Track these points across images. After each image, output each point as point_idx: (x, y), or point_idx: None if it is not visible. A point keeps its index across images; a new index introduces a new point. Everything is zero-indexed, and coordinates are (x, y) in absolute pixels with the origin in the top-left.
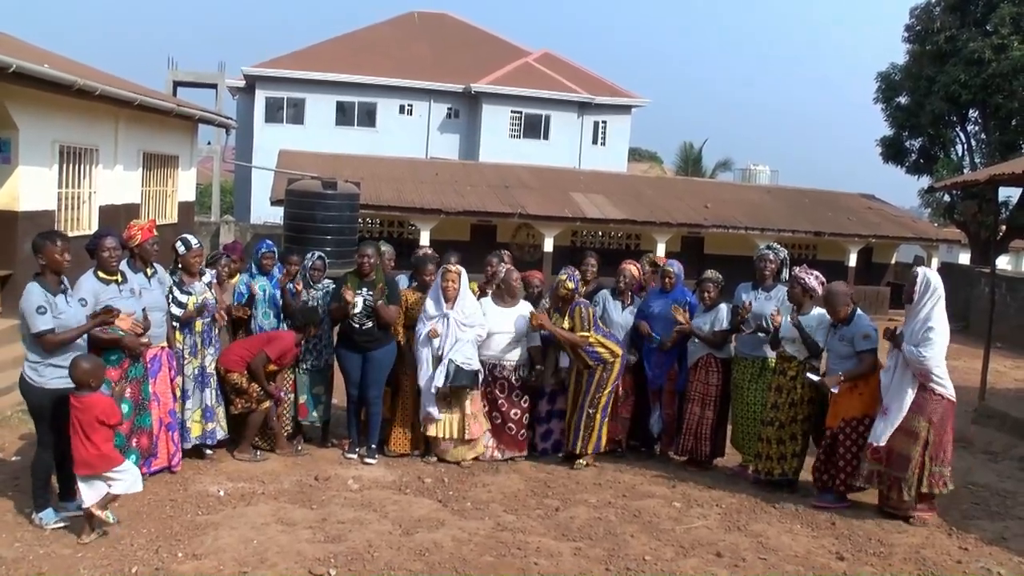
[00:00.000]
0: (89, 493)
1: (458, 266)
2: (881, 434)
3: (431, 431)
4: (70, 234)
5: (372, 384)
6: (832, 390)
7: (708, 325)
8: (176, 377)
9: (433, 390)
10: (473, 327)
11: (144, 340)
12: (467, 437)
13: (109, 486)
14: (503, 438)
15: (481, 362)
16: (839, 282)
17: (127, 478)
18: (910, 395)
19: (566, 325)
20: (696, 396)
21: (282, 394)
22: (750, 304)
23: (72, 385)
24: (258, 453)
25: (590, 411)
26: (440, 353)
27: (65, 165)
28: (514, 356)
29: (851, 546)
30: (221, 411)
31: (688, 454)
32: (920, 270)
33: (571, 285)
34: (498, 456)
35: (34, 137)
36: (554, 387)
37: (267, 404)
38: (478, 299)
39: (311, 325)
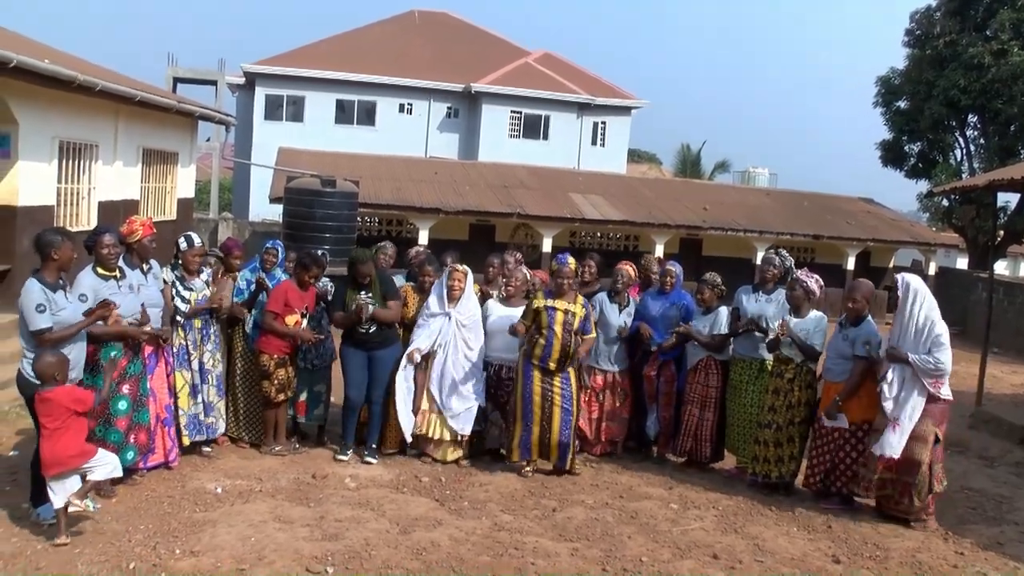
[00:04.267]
0: (56, 495)
1: (465, 266)
2: (896, 446)
3: (420, 430)
4: (69, 230)
5: (378, 384)
6: (841, 423)
7: (707, 328)
8: (174, 372)
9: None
10: (471, 328)
11: (147, 329)
12: (459, 438)
13: (86, 475)
14: None
15: (487, 363)
16: (866, 280)
17: (106, 465)
18: (921, 405)
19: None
20: (695, 398)
21: (320, 336)
22: (754, 319)
23: (72, 379)
24: (296, 445)
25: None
26: (435, 351)
27: (65, 160)
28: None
29: (847, 549)
30: (221, 405)
31: (687, 455)
32: (900, 276)
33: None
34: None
35: (34, 132)
36: None
37: (283, 397)
38: (482, 301)
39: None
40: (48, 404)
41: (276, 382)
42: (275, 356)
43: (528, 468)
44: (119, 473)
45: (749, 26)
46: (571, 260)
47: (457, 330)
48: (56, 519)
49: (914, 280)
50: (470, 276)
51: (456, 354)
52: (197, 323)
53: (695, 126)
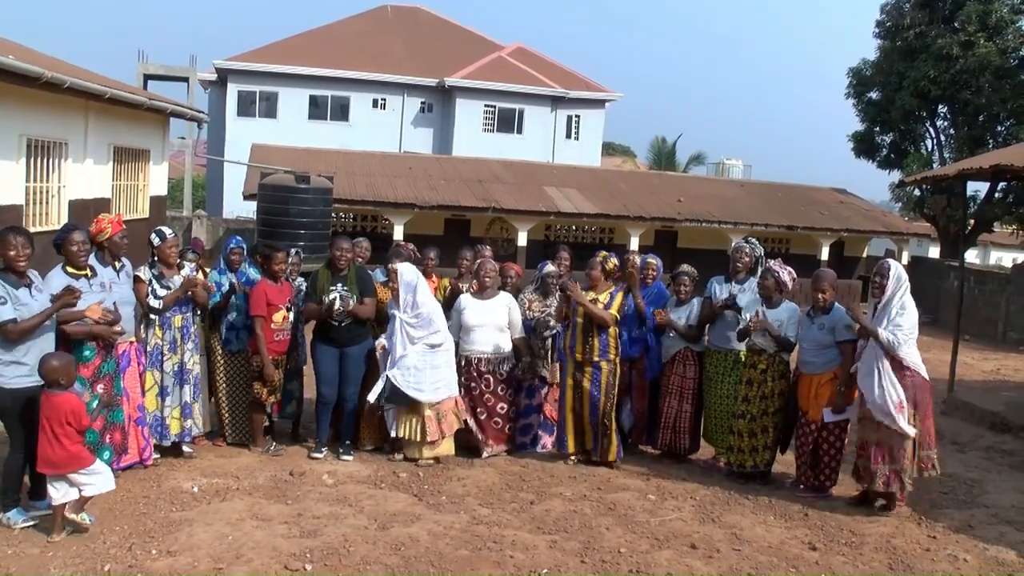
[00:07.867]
0: (57, 492)
1: (401, 264)
2: (909, 427)
3: (394, 431)
4: (38, 229)
5: (350, 381)
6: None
7: (683, 319)
8: (145, 371)
9: (371, 398)
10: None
11: (117, 329)
12: (428, 439)
13: (80, 489)
14: (489, 433)
15: (465, 357)
16: (829, 270)
17: (98, 480)
18: (885, 368)
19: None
20: (673, 390)
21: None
22: (732, 296)
23: (36, 383)
24: (273, 445)
25: (605, 421)
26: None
27: (33, 159)
28: (497, 349)
29: (823, 536)
30: (198, 407)
31: (666, 447)
32: (891, 263)
33: (614, 263)
34: (485, 452)
35: (1, 130)
36: (531, 381)
37: (273, 399)
38: (455, 296)
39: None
40: (53, 407)
41: (268, 384)
42: (269, 358)
43: (572, 458)
44: (111, 487)
45: (731, 15)
46: (602, 255)
47: (406, 331)
48: (53, 515)
49: (900, 267)
50: (404, 272)
51: (396, 372)
52: (177, 322)
53: (672, 119)
